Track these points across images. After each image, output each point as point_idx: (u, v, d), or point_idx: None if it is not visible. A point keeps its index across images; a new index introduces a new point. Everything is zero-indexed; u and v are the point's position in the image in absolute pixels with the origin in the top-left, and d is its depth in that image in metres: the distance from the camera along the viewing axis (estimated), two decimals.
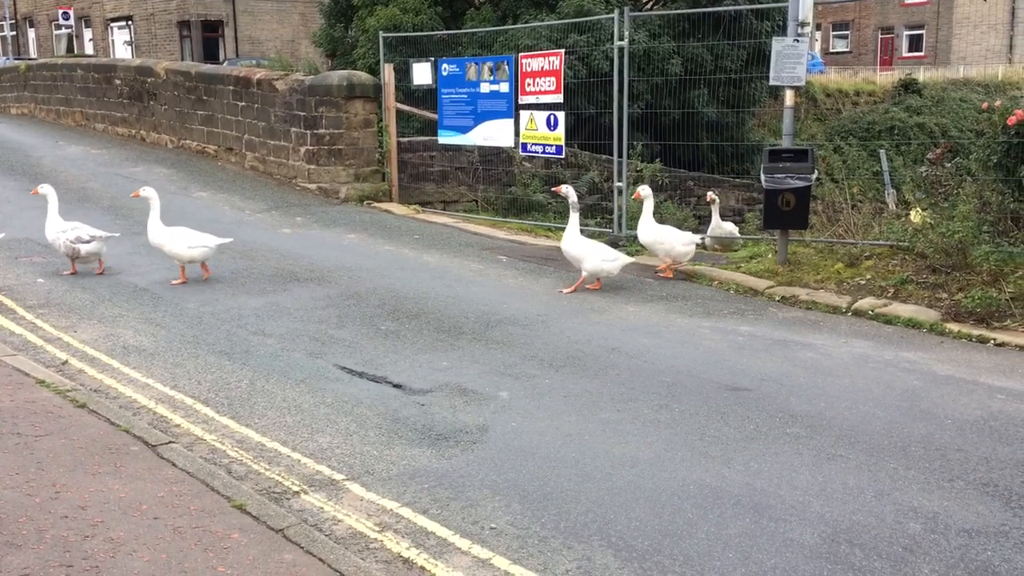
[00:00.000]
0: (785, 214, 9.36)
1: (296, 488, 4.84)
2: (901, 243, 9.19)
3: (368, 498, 4.75)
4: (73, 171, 15.20)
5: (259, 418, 5.76)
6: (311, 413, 5.84)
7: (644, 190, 9.78)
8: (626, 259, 9.13)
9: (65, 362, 6.65)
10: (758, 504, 4.64)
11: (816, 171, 9.54)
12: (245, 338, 7.35)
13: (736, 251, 12.21)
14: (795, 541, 4.29)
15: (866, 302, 8.37)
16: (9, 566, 3.74)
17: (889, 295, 8.54)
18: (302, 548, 4.07)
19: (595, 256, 8.95)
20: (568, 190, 9.34)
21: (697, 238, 10.08)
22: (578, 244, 9.03)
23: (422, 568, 4.11)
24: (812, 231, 10.19)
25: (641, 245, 10.18)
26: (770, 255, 10.14)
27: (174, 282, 8.93)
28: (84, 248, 8.94)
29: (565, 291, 8.99)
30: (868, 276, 9.00)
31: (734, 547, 4.23)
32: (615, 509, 4.60)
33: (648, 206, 9.73)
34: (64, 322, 7.61)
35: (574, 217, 9.10)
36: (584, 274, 9.01)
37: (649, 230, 9.68)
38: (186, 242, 8.77)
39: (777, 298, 8.83)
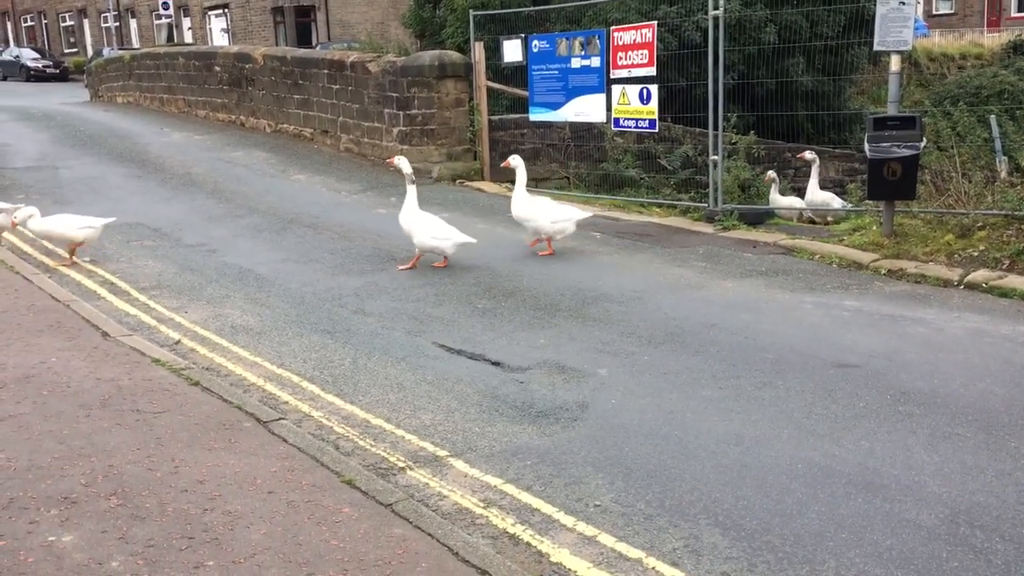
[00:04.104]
0: (891, 184, 9.02)
1: (402, 464, 4.92)
2: (1017, 212, 8.76)
3: (472, 474, 4.80)
4: (178, 157, 15.73)
5: (363, 395, 5.87)
6: (413, 390, 5.93)
7: (515, 159, 9.42)
8: (460, 238, 8.65)
9: (178, 342, 6.91)
10: (871, 484, 4.51)
11: (924, 139, 9.17)
12: (346, 317, 7.50)
13: (836, 223, 11.87)
14: (912, 522, 4.16)
15: (979, 274, 8.02)
16: (135, 537, 3.92)
17: (1004, 267, 8.16)
18: (410, 523, 4.14)
19: (424, 232, 8.65)
20: (400, 161, 8.96)
21: (581, 214, 9.39)
22: (412, 218, 8.69)
23: (528, 544, 4.13)
24: (919, 201, 9.80)
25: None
26: (874, 227, 9.80)
27: (64, 265, 9.06)
28: None
29: (401, 267, 8.83)
30: (981, 247, 8.62)
31: (847, 527, 4.13)
32: (721, 487, 4.54)
33: (520, 177, 9.31)
34: (175, 303, 7.90)
35: (411, 190, 8.76)
36: (416, 251, 8.82)
37: (518, 205, 9.28)
38: (75, 224, 8.94)
39: (883, 271, 8.54)
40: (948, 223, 9.24)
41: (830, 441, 5.00)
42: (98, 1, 51.70)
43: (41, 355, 6.22)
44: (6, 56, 48.11)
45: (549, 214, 9.26)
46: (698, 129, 13.68)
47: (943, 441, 4.96)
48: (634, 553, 4.03)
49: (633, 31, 11.67)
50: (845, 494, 4.43)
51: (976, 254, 8.54)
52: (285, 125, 17.84)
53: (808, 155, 12.50)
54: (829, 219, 12.33)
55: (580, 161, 14.90)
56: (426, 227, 8.71)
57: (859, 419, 5.27)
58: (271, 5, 42.28)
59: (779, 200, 12.37)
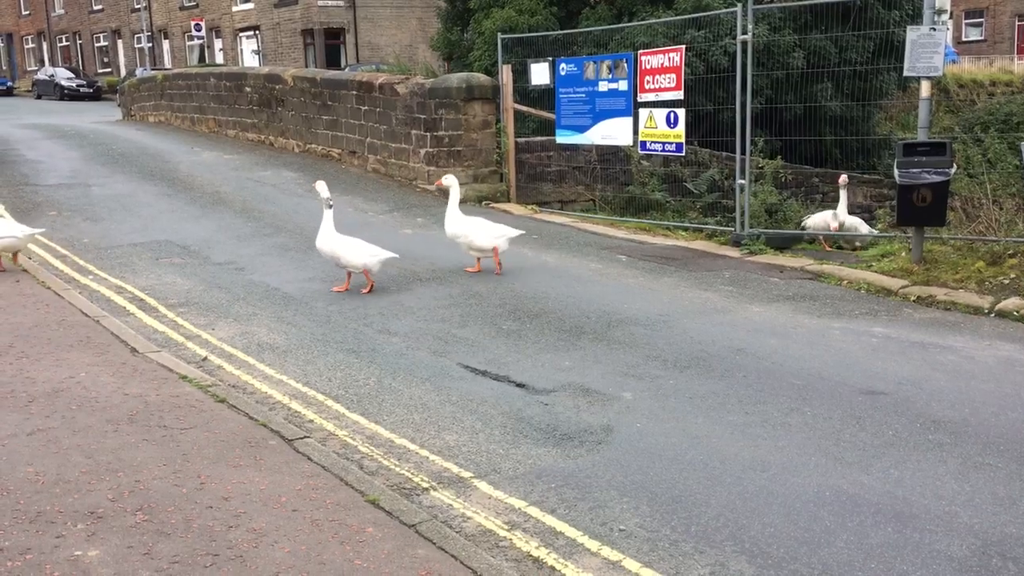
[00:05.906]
0: (920, 210, 8.95)
1: (425, 485, 4.92)
2: None
3: (496, 496, 4.78)
4: (207, 176, 15.91)
5: (387, 415, 5.88)
6: (437, 411, 5.93)
7: (448, 179, 9.51)
8: (384, 255, 8.74)
9: (205, 358, 6.95)
10: (901, 513, 4.45)
11: (954, 165, 9.10)
12: (371, 336, 7.52)
13: (864, 248, 11.79)
14: (942, 553, 4.09)
15: (1011, 302, 7.92)
16: (160, 553, 3.93)
17: None
18: (434, 544, 4.13)
19: (350, 252, 8.67)
20: (319, 186, 8.97)
21: (513, 232, 9.38)
22: (332, 241, 8.73)
23: (552, 568, 4.11)
24: (949, 228, 9.72)
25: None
26: (903, 253, 9.72)
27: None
28: None
29: (336, 289, 8.86)
30: (1012, 275, 8.52)
31: (876, 557, 4.07)
32: (747, 514, 4.49)
33: (454, 195, 9.37)
34: (203, 320, 7.96)
35: (327, 214, 8.78)
36: (346, 272, 8.88)
37: (451, 222, 9.35)
38: None
39: (912, 298, 8.46)
40: (978, 250, 9.16)
41: (858, 469, 4.94)
42: (132, 22, 52.57)
43: (70, 370, 6.28)
44: (41, 75, 49.02)
45: (481, 232, 9.36)
46: (725, 153, 13.67)
47: (974, 471, 4.88)
48: None
49: (661, 55, 11.70)
50: (874, 523, 4.37)
51: (1007, 282, 8.44)
52: (313, 145, 18.01)
53: (843, 179, 12.43)
54: (857, 244, 12.25)
55: (606, 184, 14.92)
56: (349, 247, 8.78)
57: (888, 447, 5.21)
58: (301, 27, 42.80)
59: (848, 218, 12.26)
